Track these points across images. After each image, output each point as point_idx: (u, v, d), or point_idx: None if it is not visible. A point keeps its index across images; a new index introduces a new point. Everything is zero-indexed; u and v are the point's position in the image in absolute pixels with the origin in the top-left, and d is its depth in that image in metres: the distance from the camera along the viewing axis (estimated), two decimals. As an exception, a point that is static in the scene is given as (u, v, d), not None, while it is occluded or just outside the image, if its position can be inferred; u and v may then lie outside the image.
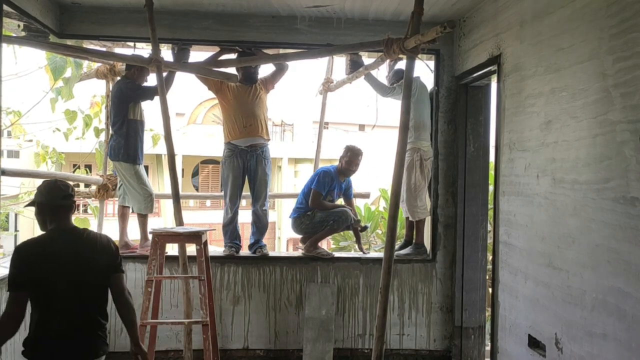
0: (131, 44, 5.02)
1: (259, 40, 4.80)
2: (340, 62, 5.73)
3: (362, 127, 24.16)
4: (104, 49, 4.98)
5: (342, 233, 6.75)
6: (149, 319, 3.85)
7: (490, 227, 4.64)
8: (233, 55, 4.87)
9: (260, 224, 4.96)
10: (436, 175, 4.90)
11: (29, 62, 6.50)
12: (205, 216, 17.88)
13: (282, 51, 5.05)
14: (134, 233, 4.90)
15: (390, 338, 4.84)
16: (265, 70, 5.13)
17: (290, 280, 4.82)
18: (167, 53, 4.75)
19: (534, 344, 3.46)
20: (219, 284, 4.75)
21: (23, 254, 2.59)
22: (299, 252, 5.13)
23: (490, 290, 4.63)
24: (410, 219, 4.87)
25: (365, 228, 5.15)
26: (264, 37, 4.80)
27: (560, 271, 3.12)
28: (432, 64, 4.89)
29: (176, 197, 4.20)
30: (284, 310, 4.82)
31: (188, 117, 21.82)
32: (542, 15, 3.37)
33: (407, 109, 3.27)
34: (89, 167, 12.53)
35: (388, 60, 4.85)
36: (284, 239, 19.53)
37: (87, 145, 7.19)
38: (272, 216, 16.41)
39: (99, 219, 5.58)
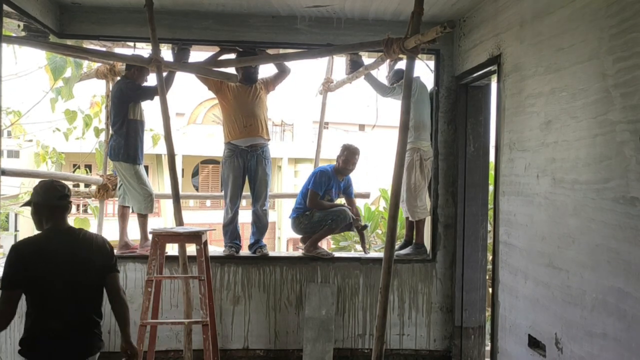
0: (131, 44, 5.02)
1: (259, 40, 4.80)
2: (340, 62, 5.73)
3: (362, 127, 24.16)
4: (104, 49, 4.98)
5: (342, 233, 6.75)
6: (149, 319, 3.84)
7: (490, 227, 4.64)
8: (233, 55, 4.87)
9: (260, 224, 4.96)
10: (436, 175, 4.90)
11: (29, 62, 6.51)
12: (205, 216, 17.88)
13: (282, 51, 5.06)
14: (134, 233, 4.90)
15: (390, 338, 4.84)
16: (265, 70, 5.14)
17: (290, 280, 4.82)
18: (167, 53, 4.75)
19: (534, 344, 3.46)
20: (219, 284, 4.75)
21: (20, 253, 2.61)
22: (299, 252, 5.13)
23: (490, 290, 4.63)
24: (410, 219, 4.87)
25: (365, 227, 5.14)
26: (264, 37, 4.80)
27: (560, 271, 3.12)
28: (432, 64, 4.89)
29: (176, 197, 4.20)
30: (284, 310, 4.82)
31: (188, 117, 21.82)
32: (542, 15, 3.37)
33: (407, 109, 3.27)
34: (89, 167, 12.54)
35: (388, 60, 4.85)
36: (284, 239, 19.53)
37: (87, 145, 7.19)
38: (272, 216, 16.41)
39: (99, 219, 5.58)
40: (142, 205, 4.71)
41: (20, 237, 2.95)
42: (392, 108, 4.90)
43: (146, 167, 7.35)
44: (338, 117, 21.51)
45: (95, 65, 5.48)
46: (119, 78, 5.06)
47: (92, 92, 6.97)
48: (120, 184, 4.81)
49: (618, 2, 2.65)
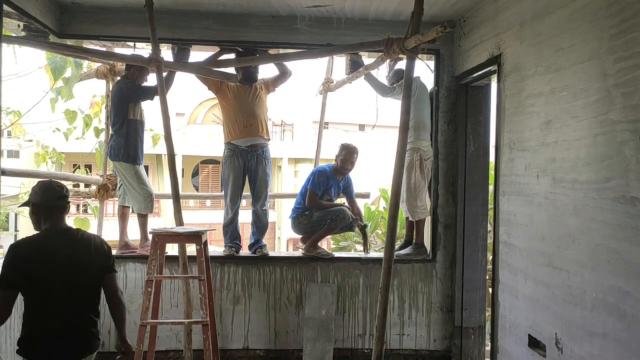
0: (131, 44, 5.02)
1: (259, 40, 4.80)
2: (340, 62, 5.73)
3: (362, 127, 24.16)
4: (104, 49, 4.98)
5: (342, 233, 6.74)
6: (149, 319, 3.84)
7: (490, 227, 4.64)
8: (233, 55, 4.87)
9: (260, 224, 4.96)
10: (436, 175, 4.90)
11: (29, 62, 6.50)
12: (205, 216, 17.89)
13: (282, 51, 5.05)
14: (134, 233, 4.90)
15: (390, 338, 4.84)
16: (266, 70, 5.14)
17: (290, 280, 4.82)
18: (167, 53, 4.75)
19: (534, 343, 3.46)
20: (219, 284, 4.75)
21: (18, 252, 2.63)
22: (299, 252, 5.13)
23: (490, 290, 4.63)
24: (410, 219, 4.87)
25: (365, 226, 5.14)
26: (264, 37, 4.80)
27: (561, 271, 3.12)
28: (432, 64, 4.88)
29: (176, 197, 4.20)
30: (284, 310, 4.82)
31: (188, 117, 21.82)
32: (542, 15, 3.37)
33: (407, 109, 3.27)
34: (89, 167, 12.54)
35: (388, 60, 4.85)
36: (284, 239, 19.54)
37: (87, 145, 7.19)
38: (272, 216, 16.41)
39: (99, 219, 5.58)
40: (142, 205, 4.71)
41: (20, 237, 2.96)
42: (392, 108, 4.90)
43: (146, 167, 7.35)
44: (338, 117, 21.51)
45: (95, 65, 5.48)
46: (119, 78, 5.06)
47: (92, 92, 6.97)
48: (120, 184, 4.81)
49: (618, 2, 2.65)
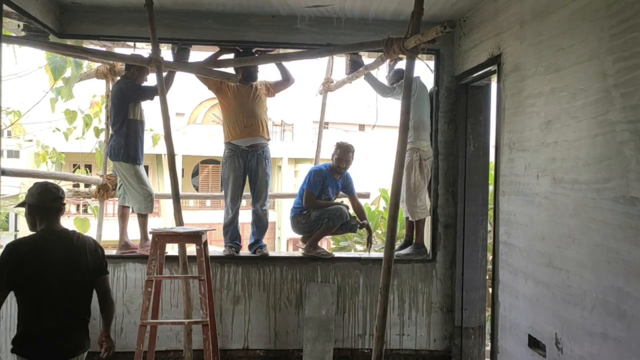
0: (131, 43, 5.02)
1: (259, 40, 4.80)
2: (340, 62, 5.73)
3: (362, 127, 24.16)
4: (104, 49, 4.98)
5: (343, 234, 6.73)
6: (149, 319, 3.84)
7: (490, 227, 4.64)
8: (232, 55, 4.87)
9: (260, 224, 4.96)
10: (436, 175, 4.90)
11: (29, 62, 6.50)
12: (205, 216, 17.88)
13: (282, 51, 5.05)
14: (134, 233, 4.90)
15: (390, 338, 4.84)
16: (267, 70, 5.14)
17: (290, 280, 4.82)
18: (167, 53, 4.75)
19: (534, 344, 3.46)
20: (219, 284, 4.75)
21: (15, 252, 2.68)
22: (299, 252, 5.13)
23: (490, 290, 4.64)
24: (410, 219, 4.87)
25: (364, 225, 5.13)
26: (264, 37, 4.80)
27: (560, 271, 3.12)
28: (432, 64, 4.88)
29: (176, 197, 4.20)
30: (284, 310, 4.82)
31: (188, 117, 21.81)
32: (542, 15, 3.37)
33: (407, 109, 3.27)
34: (89, 167, 12.54)
35: (388, 60, 4.85)
36: (284, 239, 19.54)
37: (87, 145, 7.19)
38: (272, 216, 16.41)
39: (99, 219, 5.58)
40: (142, 205, 4.71)
41: (19, 237, 3.01)
42: (392, 108, 4.89)
43: (146, 167, 7.36)
44: (338, 117, 21.51)
45: (95, 65, 5.48)
46: (119, 78, 5.06)
47: (92, 92, 6.97)
48: (120, 184, 4.81)
49: (618, 2, 2.65)
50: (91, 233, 6.06)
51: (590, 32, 2.86)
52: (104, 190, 5.29)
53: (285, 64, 4.94)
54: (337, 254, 5.17)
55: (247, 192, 5.00)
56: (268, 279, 4.82)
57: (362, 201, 5.58)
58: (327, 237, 6.00)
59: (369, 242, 5.19)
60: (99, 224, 5.55)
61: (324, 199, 4.97)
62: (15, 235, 12.63)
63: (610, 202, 2.68)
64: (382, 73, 5.10)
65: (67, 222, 7.68)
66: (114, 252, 4.85)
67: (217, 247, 6.98)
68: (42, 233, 2.74)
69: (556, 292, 3.17)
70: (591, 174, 2.84)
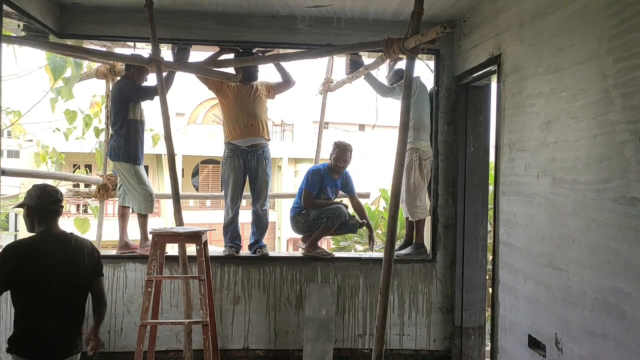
0: (131, 44, 5.02)
1: (259, 40, 4.80)
2: (340, 62, 5.73)
3: (362, 127, 24.16)
4: (104, 49, 4.98)
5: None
6: (149, 319, 3.84)
7: (490, 227, 4.64)
8: (232, 55, 4.87)
9: (260, 224, 4.97)
10: (436, 175, 4.90)
11: (29, 62, 6.51)
12: (205, 216, 17.89)
13: (282, 51, 5.05)
14: (134, 233, 4.90)
15: (390, 338, 4.84)
16: (267, 70, 5.14)
17: (290, 280, 4.82)
18: (167, 53, 4.75)
19: (534, 344, 3.46)
20: (219, 284, 4.75)
21: (14, 253, 2.71)
22: (299, 252, 5.13)
23: (490, 290, 4.63)
24: (410, 219, 4.87)
25: (364, 224, 5.13)
26: (264, 37, 4.80)
27: (560, 271, 3.12)
28: (432, 64, 4.88)
29: (176, 197, 4.20)
30: (284, 310, 4.82)
31: (188, 117, 21.82)
32: (542, 15, 3.37)
33: (407, 109, 3.27)
34: (89, 167, 12.55)
35: (388, 60, 4.85)
36: (284, 239, 19.54)
37: (87, 145, 7.20)
38: (272, 216, 16.41)
39: (99, 219, 5.58)
40: (142, 205, 4.71)
41: (20, 237, 3.03)
42: (392, 108, 4.89)
43: (146, 167, 7.36)
44: (338, 117, 21.51)
45: (95, 65, 5.48)
46: (119, 78, 5.06)
47: (92, 92, 6.97)
48: (120, 184, 4.81)
49: (618, 2, 2.65)
50: (91, 233, 6.09)
51: (590, 33, 2.86)
52: (104, 191, 5.29)
53: (285, 65, 4.94)
54: (337, 254, 5.17)
55: (247, 192, 5.01)
56: (268, 279, 4.82)
57: (362, 201, 5.58)
58: (327, 237, 5.99)
59: (371, 240, 5.20)
60: (99, 224, 5.55)
61: (323, 198, 4.97)
62: (15, 236, 12.65)
63: (610, 203, 2.68)
64: (382, 73, 5.10)
65: (68, 222, 7.70)
66: (114, 252, 4.86)
67: (217, 247, 6.98)
68: (41, 235, 2.77)
69: (556, 292, 3.17)
70: (591, 174, 2.84)
